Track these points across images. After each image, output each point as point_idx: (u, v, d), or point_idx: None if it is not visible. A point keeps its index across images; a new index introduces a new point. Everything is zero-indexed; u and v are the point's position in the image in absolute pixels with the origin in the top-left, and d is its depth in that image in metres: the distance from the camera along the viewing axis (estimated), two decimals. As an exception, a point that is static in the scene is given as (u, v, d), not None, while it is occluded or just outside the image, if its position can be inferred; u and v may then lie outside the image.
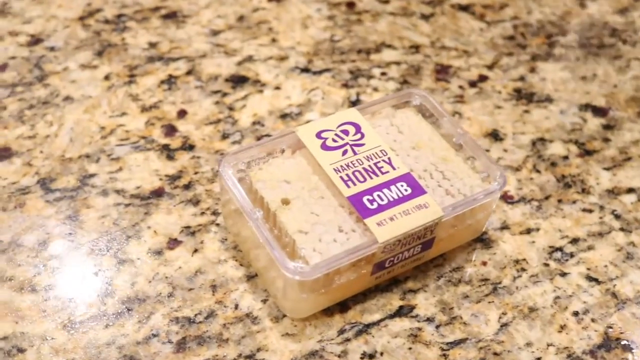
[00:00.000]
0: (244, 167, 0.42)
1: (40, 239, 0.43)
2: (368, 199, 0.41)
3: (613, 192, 0.50)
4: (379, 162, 0.42)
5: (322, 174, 0.42)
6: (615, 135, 0.53)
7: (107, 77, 0.52)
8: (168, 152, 0.48)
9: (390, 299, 0.43)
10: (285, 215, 0.40)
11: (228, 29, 0.56)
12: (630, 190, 0.50)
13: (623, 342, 0.42)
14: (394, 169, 0.42)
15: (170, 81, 0.52)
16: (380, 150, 0.43)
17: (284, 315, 0.41)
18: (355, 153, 0.42)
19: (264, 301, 0.42)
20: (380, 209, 0.40)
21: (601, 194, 0.49)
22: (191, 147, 0.48)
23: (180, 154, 0.48)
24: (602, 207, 0.49)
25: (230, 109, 0.51)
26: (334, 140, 0.43)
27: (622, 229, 0.48)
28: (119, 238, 0.43)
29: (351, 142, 0.43)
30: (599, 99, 0.55)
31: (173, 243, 0.44)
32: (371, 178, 0.41)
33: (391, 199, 0.41)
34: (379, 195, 0.41)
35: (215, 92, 0.51)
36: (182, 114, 0.50)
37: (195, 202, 0.46)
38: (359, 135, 0.43)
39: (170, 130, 0.49)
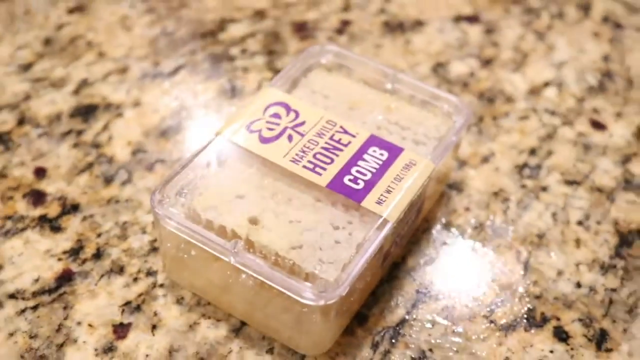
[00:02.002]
0: (182, 200, 0.32)
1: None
2: (350, 179, 0.33)
3: (534, 92, 0.46)
4: (334, 135, 0.34)
5: (277, 172, 0.33)
6: (501, 36, 0.49)
7: None
8: (50, 224, 0.36)
9: (402, 288, 0.35)
10: (263, 236, 0.31)
11: (40, 58, 0.44)
12: (546, 84, 0.46)
13: (637, 229, 0.38)
14: (354, 136, 0.34)
15: (3, 139, 0.39)
16: (327, 122, 0.35)
17: (303, 357, 0.32)
18: (302, 134, 0.34)
19: (270, 351, 0.32)
20: (369, 184, 0.32)
21: (525, 97, 0.45)
22: (75, 208, 0.37)
23: (67, 220, 0.36)
24: (534, 110, 0.44)
25: (96, 146, 0.40)
26: (270, 129, 0.34)
27: (564, 124, 0.44)
28: (49, 353, 0.32)
29: (290, 125, 0.35)
30: (465, 8, 0.51)
31: (121, 329, 0.33)
32: (337, 155, 0.33)
33: (374, 170, 0.33)
34: (358, 171, 0.33)
35: (66, 134, 0.40)
36: (40, 172, 0.38)
37: (119, 269, 0.35)
38: (293, 114, 0.35)
39: (37, 197, 0.37)
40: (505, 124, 0.43)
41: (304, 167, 0.33)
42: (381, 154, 0.34)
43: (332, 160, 0.33)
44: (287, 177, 0.33)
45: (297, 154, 0.33)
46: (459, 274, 0.36)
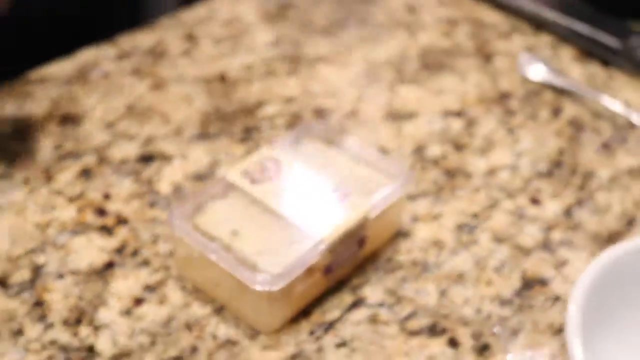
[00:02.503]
0: (189, 215, 0.47)
1: (14, 328, 0.45)
2: (304, 212, 0.47)
3: (490, 173, 0.58)
4: (303, 182, 0.48)
5: (259, 204, 0.47)
6: (477, 129, 0.62)
7: (25, 181, 0.55)
8: (106, 231, 0.52)
9: (342, 297, 0.48)
10: (237, 243, 0.45)
11: (122, 119, 0.61)
12: (502, 167, 0.59)
13: (539, 278, 0.50)
14: (318, 183, 0.48)
15: (86, 173, 0.56)
16: (302, 173, 0.49)
17: (259, 333, 0.46)
18: (279, 179, 0.48)
19: (237, 326, 0.46)
20: (317, 215, 0.46)
21: (482, 176, 0.58)
22: (125, 222, 0.52)
23: (118, 229, 0.52)
24: (487, 186, 0.57)
25: (149, 182, 0.55)
26: (260, 173, 0.49)
27: (507, 197, 0.56)
28: (88, 309, 0.46)
29: (274, 173, 0.49)
30: (455, 105, 0.64)
31: (138, 302, 0.47)
32: (301, 195, 0.48)
33: (322, 207, 0.47)
34: (313, 206, 0.47)
35: (130, 173, 0.56)
36: (106, 196, 0.54)
37: (146, 264, 0.49)
38: (277, 167, 0.50)
39: (101, 212, 0.53)
40: (459, 194, 0.56)
41: (276, 201, 0.47)
42: (335, 198, 0.48)
43: (296, 200, 0.47)
44: (266, 208, 0.47)
45: (272, 191, 0.48)
46: (388, 294, 0.49)
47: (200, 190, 0.48)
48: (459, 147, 0.60)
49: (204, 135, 0.60)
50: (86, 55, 0.66)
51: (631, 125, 0.63)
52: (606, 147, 0.61)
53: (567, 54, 0.72)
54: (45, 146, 0.58)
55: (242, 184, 0.48)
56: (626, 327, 0.43)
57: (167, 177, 0.56)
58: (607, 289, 0.41)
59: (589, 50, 0.72)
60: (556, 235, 0.53)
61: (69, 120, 0.60)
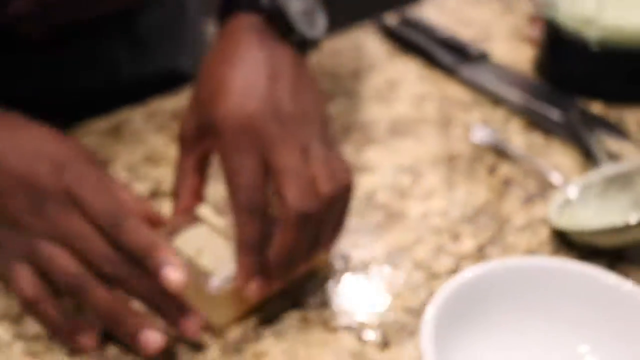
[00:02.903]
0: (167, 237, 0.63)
1: None
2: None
3: (424, 216, 0.73)
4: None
5: (220, 230, 0.63)
6: (422, 182, 0.77)
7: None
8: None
9: (281, 304, 0.63)
10: (200, 258, 0.61)
11: (140, 164, 0.78)
12: (435, 212, 0.73)
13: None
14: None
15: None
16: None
17: (212, 328, 0.61)
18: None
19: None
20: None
21: (416, 218, 0.72)
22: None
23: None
24: (418, 225, 0.71)
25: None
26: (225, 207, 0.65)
27: (433, 234, 0.70)
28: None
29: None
30: (407, 163, 0.79)
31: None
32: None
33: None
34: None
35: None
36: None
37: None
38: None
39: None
40: (393, 231, 0.71)
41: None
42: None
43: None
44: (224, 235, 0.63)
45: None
46: (320, 301, 0.63)
47: (182, 219, 0.64)
48: (403, 195, 0.75)
49: (201, 178, 0.76)
50: (121, 115, 0.85)
51: (552, 185, 0.77)
52: (527, 201, 0.75)
53: (516, 124, 0.86)
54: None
55: (210, 216, 0.64)
56: (475, 339, 0.56)
57: (168, 209, 0.72)
58: (457, 306, 0.55)
59: (535, 121, 0.86)
60: (465, 264, 0.67)
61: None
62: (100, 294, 0.55)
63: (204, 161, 0.64)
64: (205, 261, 0.61)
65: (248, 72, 0.61)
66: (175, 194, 0.64)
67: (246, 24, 0.65)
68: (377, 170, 0.78)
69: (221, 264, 0.60)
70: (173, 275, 0.55)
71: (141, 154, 0.79)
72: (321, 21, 0.69)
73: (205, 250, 0.62)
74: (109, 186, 0.58)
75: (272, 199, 0.58)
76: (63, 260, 0.55)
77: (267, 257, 0.58)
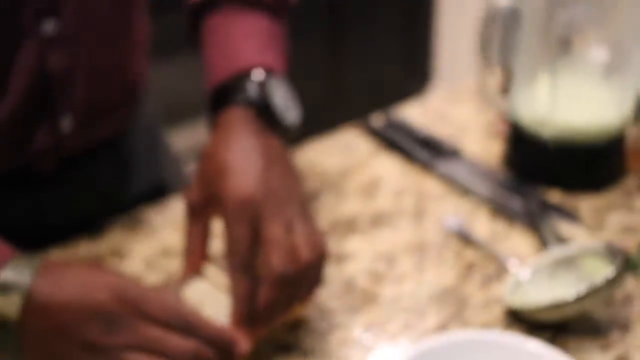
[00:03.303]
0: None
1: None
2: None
3: (394, 296, 0.85)
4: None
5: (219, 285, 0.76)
6: (395, 266, 0.89)
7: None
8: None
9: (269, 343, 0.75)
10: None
11: (158, 257, 0.91)
12: (405, 293, 0.85)
13: None
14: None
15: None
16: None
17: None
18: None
19: None
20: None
21: (387, 298, 0.84)
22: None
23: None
24: (387, 305, 0.83)
25: (164, 299, 0.85)
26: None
27: (401, 312, 0.82)
28: None
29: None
30: (383, 250, 0.92)
31: None
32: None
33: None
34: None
35: (153, 293, 0.86)
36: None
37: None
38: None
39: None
40: (365, 310, 0.83)
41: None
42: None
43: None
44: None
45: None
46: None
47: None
48: (378, 280, 0.87)
49: (206, 269, 0.89)
50: (141, 214, 0.98)
51: (508, 269, 0.88)
52: (486, 283, 0.87)
53: (482, 213, 0.98)
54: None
55: (214, 274, 0.77)
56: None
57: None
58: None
59: (499, 210, 0.98)
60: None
61: (119, 255, 0.91)
62: None
63: (208, 226, 0.78)
64: (207, 312, 0.73)
65: (246, 158, 0.76)
66: (186, 255, 0.78)
67: (240, 116, 0.80)
68: (357, 258, 0.91)
69: (219, 315, 0.73)
70: (244, 346, 0.71)
71: (159, 248, 0.93)
72: (297, 109, 0.84)
73: (207, 303, 0.74)
74: (161, 295, 0.71)
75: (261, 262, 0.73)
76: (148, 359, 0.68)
77: (255, 308, 0.72)
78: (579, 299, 0.77)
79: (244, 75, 0.82)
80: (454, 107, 1.23)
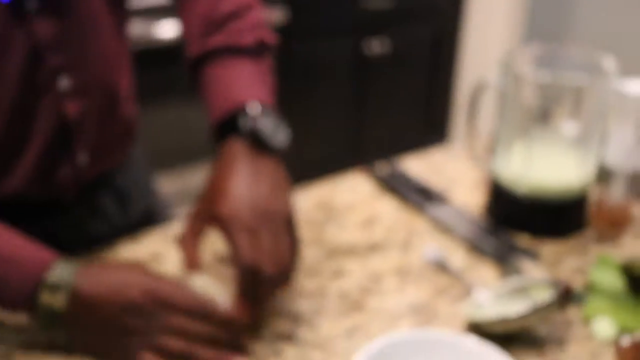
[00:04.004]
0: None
1: None
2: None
3: (379, 309, 1.04)
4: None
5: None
6: (381, 285, 1.09)
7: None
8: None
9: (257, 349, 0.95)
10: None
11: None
12: (388, 308, 1.05)
13: None
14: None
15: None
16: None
17: None
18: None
19: None
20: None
21: (372, 309, 1.04)
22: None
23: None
24: (371, 318, 1.03)
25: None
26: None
27: (384, 322, 1.02)
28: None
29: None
30: (375, 270, 1.12)
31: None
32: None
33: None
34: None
35: (184, 289, 1.06)
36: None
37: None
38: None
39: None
40: (353, 322, 1.02)
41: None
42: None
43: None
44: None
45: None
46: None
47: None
48: (366, 292, 1.07)
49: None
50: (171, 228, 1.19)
51: (471, 293, 1.08)
52: (454, 302, 1.06)
53: (461, 249, 1.18)
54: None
55: (201, 284, 0.97)
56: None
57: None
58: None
59: (475, 247, 1.18)
60: (399, 341, 0.98)
61: (157, 259, 1.12)
62: (202, 350, 0.89)
63: (202, 229, 0.97)
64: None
65: (241, 183, 0.94)
66: (182, 248, 0.97)
67: (238, 147, 0.97)
68: (352, 276, 1.11)
69: (220, 300, 0.93)
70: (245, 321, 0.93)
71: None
72: (284, 133, 0.99)
73: (209, 292, 0.94)
74: (182, 290, 0.92)
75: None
76: (175, 341, 0.88)
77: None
78: (522, 317, 0.96)
79: (239, 109, 0.98)
80: (449, 162, 1.43)
